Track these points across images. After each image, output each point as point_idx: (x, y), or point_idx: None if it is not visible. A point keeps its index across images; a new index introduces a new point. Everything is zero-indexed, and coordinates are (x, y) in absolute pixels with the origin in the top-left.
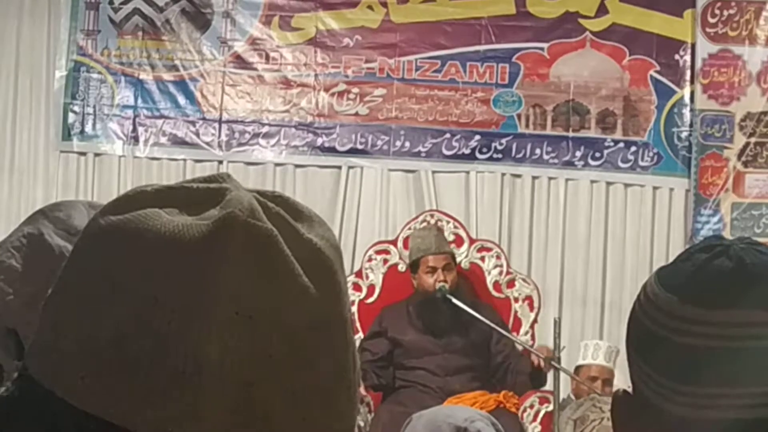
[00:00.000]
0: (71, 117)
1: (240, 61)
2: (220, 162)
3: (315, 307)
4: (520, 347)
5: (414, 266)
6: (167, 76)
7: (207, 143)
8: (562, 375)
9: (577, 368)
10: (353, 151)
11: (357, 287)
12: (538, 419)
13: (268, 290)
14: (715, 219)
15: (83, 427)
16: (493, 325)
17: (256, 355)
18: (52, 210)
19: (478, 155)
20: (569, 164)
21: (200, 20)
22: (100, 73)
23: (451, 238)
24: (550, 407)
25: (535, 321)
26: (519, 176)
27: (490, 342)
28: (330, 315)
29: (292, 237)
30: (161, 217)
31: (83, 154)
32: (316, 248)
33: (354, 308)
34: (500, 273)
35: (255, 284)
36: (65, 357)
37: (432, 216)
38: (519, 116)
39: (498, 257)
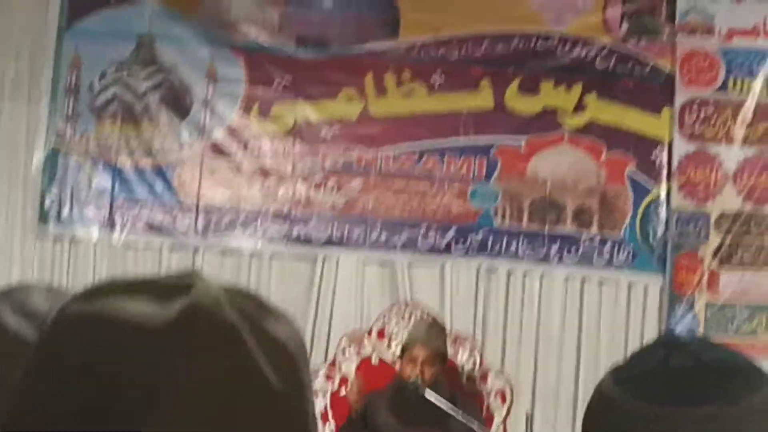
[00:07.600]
0: (48, 201)
1: (218, 150)
2: (196, 249)
3: (276, 401)
4: None
5: (402, 353)
6: (145, 163)
7: (183, 231)
8: None
9: None
10: (329, 242)
11: (329, 378)
12: None
13: (229, 381)
14: (689, 317)
15: None
16: (466, 420)
17: None
18: (9, 293)
19: (453, 249)
20: (544, 260)
21: (179, 107)
22: (78, 158)
23: None
24: None
25: (507, 415)
26: (494, 271)
27: None
28: (292, 409)
29: (257, 331)
30: (128, 306)
31: (59, 238)
32: (280, 344)
33: (327, 400)
34: (473, 366)
35: (217, 375)
36: None
37: (406, 308)
38: (495, 210)
39: (472, 350)
